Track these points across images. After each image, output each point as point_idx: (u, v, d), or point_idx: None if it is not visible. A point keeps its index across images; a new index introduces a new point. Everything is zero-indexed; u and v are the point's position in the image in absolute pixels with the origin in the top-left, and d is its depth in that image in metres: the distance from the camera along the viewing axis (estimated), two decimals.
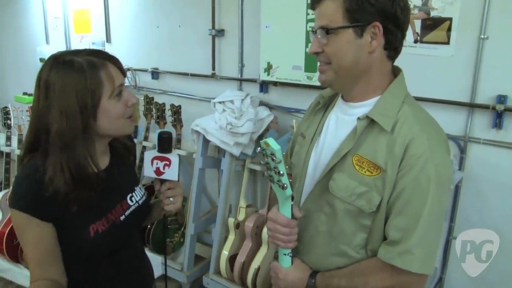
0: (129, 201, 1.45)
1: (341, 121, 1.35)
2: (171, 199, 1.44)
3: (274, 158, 1.17)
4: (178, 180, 1.46)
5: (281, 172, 1.20)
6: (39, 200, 1.23)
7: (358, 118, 1.26)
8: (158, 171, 1.39)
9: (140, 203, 1.48)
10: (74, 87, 1.21)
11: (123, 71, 1.33)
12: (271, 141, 1.16)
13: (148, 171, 1.40)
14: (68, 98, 1.21)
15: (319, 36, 1.24)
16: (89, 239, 1.31)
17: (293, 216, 1.32)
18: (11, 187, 3.32)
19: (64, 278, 1.31)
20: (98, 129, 1.29)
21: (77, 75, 1.22)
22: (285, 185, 1.21)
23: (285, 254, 1.37)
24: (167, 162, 1.39)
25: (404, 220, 1.20)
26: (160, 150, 1.41)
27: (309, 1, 1.47)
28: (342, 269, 1.33)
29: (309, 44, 1.30)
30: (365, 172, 1.24)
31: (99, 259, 1.39)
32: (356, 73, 1.26)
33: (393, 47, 1.25)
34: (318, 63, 1.30)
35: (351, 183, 1.26)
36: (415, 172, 1.18)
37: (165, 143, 1.41)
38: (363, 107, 1.29)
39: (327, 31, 1.22)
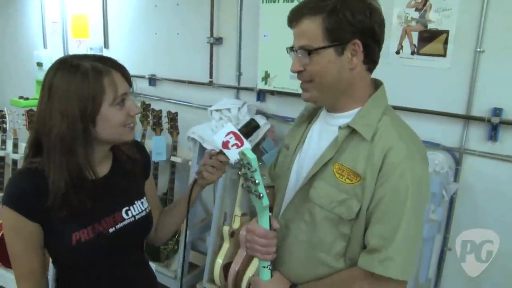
0: (123, 214, 1.41)
1: (324, 131, 1.39)
2: (214, 169, 1.42)
3: (250, 168, 1.19)
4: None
5: (257, 181, 1.21)
6: (30, 200, 1.25)
7: (340, 127, 1.29)
8: (225, 144, 1.39)
9: (136, 218, 1.44)
10: (76, 91, 1.22)
11: (129, 80, 1.33)
12: (247, 151, 1.19)
13: (218, 138, 1.39)
14: (70, 102, 1.22)
15: (299, 56, 1.26)
16: (70, 247, 1.29)
17: (271, 228, 1.32)
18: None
19: (46, 283, 1.39)
20: (97, 135, 1.29)
21: (81, 79, 1.22)
22: (261, 195, 1.22)
23: (264, 267, 1.36)
24: (239, 143, 1.39)
25: (383, 227, 1.22)
26: (242, 131, 1.41)
27: None
28: (322, 280, 1.33)
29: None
30: (345, 180, 1.26)
31: (87, 267, 1.38)
32: (338, 89, 1.29)
33: (372, 60, 1.30)
34: (300, 81, 1.32)
35: (331, 191, 1.28)
36: (394, 181, 1.21)
37: (251, 129, 1.43)
38: (345, 118, 1.32)
39: (309, 52, 1.24)
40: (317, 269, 1.35)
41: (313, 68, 1.25)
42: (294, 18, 1.27)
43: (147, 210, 1.48)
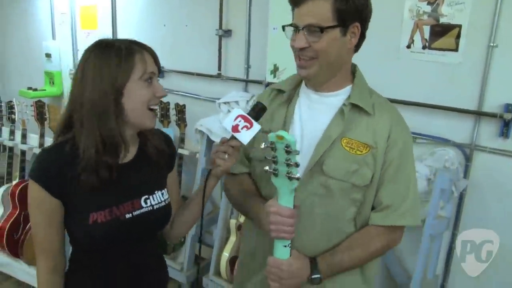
0: (142, 202, 1.43)
1: (317, 110, 1.48)
2: (226, 156, 1.39)
3: (290, 150, 1.20)
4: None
5: (297, 163, 1.23)
6: (53, 175, 1.31)
7: (344, 105, 1.43)
8: (235, 128, 1.37)
9: (154, 208, 1.45)
10: (109, 64, 1.30)
11: (157, 64, 1.41)
12: (283, 133, 1.19)
13: (228, 123, 1.38)
14: (102, 74, 1.30)
15: (305, 33, 1.34)
16: (87, 227, 1.33)
17: (294, 207, 1.34)
18: (13, 182, 3.33)
19: (65, 263, 1.45)
20: (125, 109, 1.33)
21: (115, 55, 1.31)
22: (299, 176, 1.24)
23: (284, 246, 1.35)
24: (248, 125, 1.38)
25: (396, 187, 1.43)
26: (250, 114, 1.40)
27: None
28: (339, 246, 1.44)
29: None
30: (355, 152, 1.41)
31: (102, 250, 1.41)
32: (337, 66, 1.42)
33: (359, 44, 1.43)
34: (299, 59, 1.40)
35: (343, 164, 1.40)
36: (399, 146, 1.42)
37: (258, 111, 1.41)
38: (338, 96, 1.46)
39: (321, 30, 1.32)
40: (332, 237, 1.45)
41: (320, 45, 1.34)
42: None
43: (166, 202, 1.50)
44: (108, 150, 1.32)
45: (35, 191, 1.33)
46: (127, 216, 1.39)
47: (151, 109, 1.38)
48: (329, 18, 1.31)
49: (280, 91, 1.58)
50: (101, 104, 1.30)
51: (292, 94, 1.55)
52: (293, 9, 1.39)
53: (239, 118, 1.38)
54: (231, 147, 1.40)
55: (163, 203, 1.48)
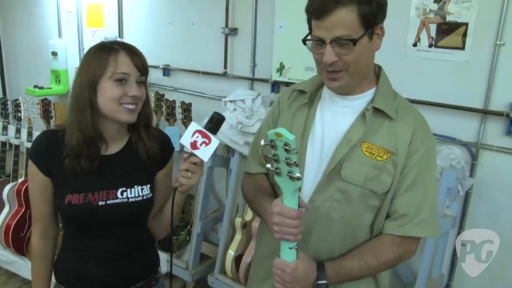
0: (118, 194, 1.52)
1: (339, 113, 1.42)
2: (189, 173, 1.41)
3: (289, 148, 1.13)
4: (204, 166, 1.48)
5: (296, 162, 1.16)
6: (43, 154, 1.50)
7: (367, 109, 1.36)
8: (194, 145, 1.38)
9: (129, 201, 1.52)
10: (90, 62, 1.44)
11: (137, 65, 1.45)
12: (283, 130, 1.13)
13: (185, 140, 1.39)
14: (84, 71, 1.44)
15: (334, 46, 1.25)
16: (62, 205, 1.49)
17: (299, 207, 1.28)
18: (19, 180, 3.35)
19: (57, 230, 1.63)
20: (98, 105, 1.44)
21: (95, 54, 1.44)
22: (299, 176, 1.18)
23: (290, 248, 1.30)
24: (207, 141, 1.38)
25: (413, 195, 1.35)
26: (207, 127, 1.40)
27: None
28: (350, 252, 1.38)
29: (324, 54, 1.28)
30: (375, 157, 1.35)
31: (78, 231, 1.55)
32: (364, 73, 1.36)
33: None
34: (327, 72, 1.32)
35: (363, 169, 1.35)
36: (421, 153, 1.35)
37: (215, 123, 1.41)
38: (361, 99, 1.39)
39: (354, 42, 1.23)
40: (347, 244, 1.40)
41: (352, 57, 1.26)
42: (325, 8, 1.22)
43: (145, 197, 1.55)
44: (86, 142, 1.45)
45: (30, 167, 1.51)
46: (100, 203, 1.49)
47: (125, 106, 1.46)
48: (357, 26, 1.23)
49: (301, 92, 1.52)
50: (80, 99, 1.44)
51: (314, 95, 1.49)
52: (309, 20, 1.31)
53: (197, 134, 1.38)
54: (193, 163, 1.40)
55: (140, 198, 1.54)
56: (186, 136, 1.39)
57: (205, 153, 1.38)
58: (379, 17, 1.27)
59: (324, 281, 1.33)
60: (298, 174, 1.18)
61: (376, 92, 1.39)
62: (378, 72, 1.44)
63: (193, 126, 1.39)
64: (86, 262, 1.55)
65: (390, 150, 1.34)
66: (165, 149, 1.62)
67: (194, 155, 1.39)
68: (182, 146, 3.23)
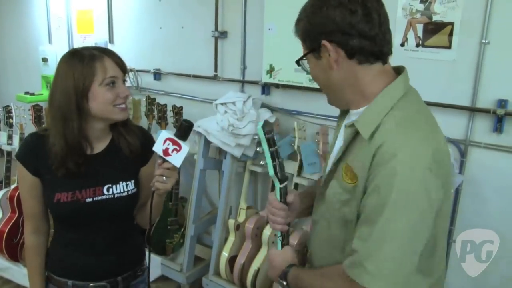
0: (104, 190, 1.60)
1: (343, 129, 1.34)
2: (164, 178, 1.49)
3: (260, 141, 1.29)
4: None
5: (263, 151, 1.31)
6: (31, 157, 1.57)
7: (345, 126, 1.27)
8: (166, 152, 1.45)
9: (115, 196, 1.61)
10: (74, 72, 1.48)
11: (121, 66, 1.55)
12: (259, 124, 1.28)
13: (158, 148, 1.46)
14: (67, 81, 1.48)
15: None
16: (51, 203, 1.57)
17: (281, 200, 1.39)
18: (12, 186, 3.34)
19: (48, 226, 1.70)
20: (91, 110, 1.51)
21: (78, 62, 1.49)
22: (273, 174, 1.33)
23: (277, 237, 1.45)
24: (178, 148, 1.46)
25: (364, 229, 1.14)
26: (177, 134, 1.47)
27: None
28: (319, 268, 1.38)
29: None
30: (347, 180, 1.21)
31: (67, 226, 1.64)
32: (334, 89, 1.26)
33: (360, 53, 1.17)
34: None
35: (338, 191, 1.25)
36: (377, 181, 1.11)
37: (184, 131, 1.49)
38: (355, 116, 1.24)
39: (297, 61, 1.30)
40: (330, 262, 1.32)
41: (312, 74, 1.31)
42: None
43: (130, 192, 1.65)
44: (71, 148, 1.51)
45: (19, 169, 1.58)
46: (88, 200, 1.58)
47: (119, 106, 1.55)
48: (304, 46, 1.27)
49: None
50: (65, 108, 1.49)
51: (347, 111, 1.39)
52: None
53: (168, 142, 1.46)
54: (167, 169, 1.48)
55: (125, 193, 1.63)
56: (158, 144, 1.46)
57: (177, 159, 1.47)
58: (313, 37, 1.20)
59: (284, 282, 1.39)
60: (272, 172, 1.33)
61: (366, 108, 1.21)
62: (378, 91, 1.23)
63: (164, 134, 1.47)
64: (74, 254, 1.65)
65: (357, 174, 1.17)
66: (145, 144, 1.67)
67: (167, 161, 1.47)
68: None
